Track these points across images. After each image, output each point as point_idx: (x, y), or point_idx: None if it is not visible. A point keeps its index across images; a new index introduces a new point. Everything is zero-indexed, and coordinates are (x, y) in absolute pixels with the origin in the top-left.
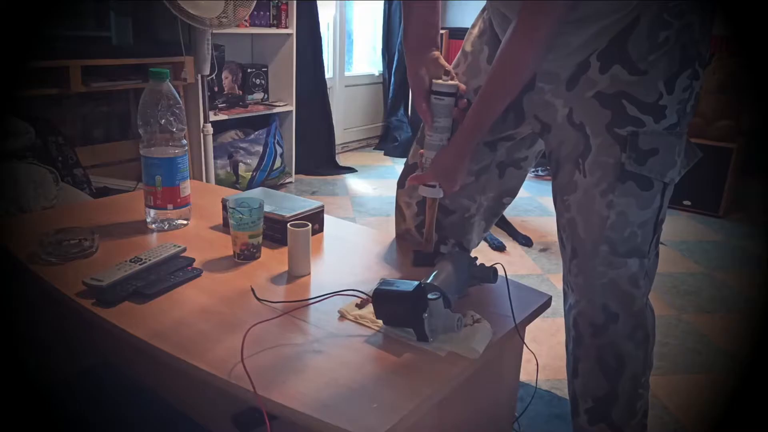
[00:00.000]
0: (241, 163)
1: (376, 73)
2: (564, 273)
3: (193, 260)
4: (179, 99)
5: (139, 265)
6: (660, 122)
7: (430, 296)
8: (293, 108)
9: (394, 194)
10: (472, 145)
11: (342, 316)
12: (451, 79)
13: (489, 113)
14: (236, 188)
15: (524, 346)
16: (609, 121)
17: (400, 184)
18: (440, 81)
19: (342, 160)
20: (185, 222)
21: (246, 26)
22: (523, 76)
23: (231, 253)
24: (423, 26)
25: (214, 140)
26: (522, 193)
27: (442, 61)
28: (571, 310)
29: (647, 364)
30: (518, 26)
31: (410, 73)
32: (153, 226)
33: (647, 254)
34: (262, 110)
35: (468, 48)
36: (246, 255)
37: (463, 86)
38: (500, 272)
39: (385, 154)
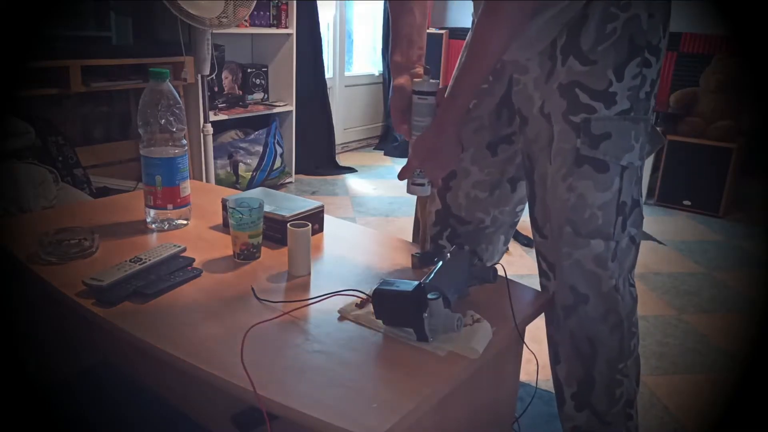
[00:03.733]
0: (241, 163)
1: (376, 73)
2: (537, 261)
3: (193, 260)
4: (179, 99)
5: (139, 265)
6: (611, 108)
7: (430, 296)
8: (293, 108)
9: (394, 194)
10: (449, 122)
11: (342, 316)
12: (432, 78)
13: (463, 90)
14: (236, 188)
15: (524, 346)
16: (565, 109)
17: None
18: (420, 80)
19: (342, 160)
20: (185, 222)
21: (246, 26)
22: (489, 57)
23: (231, 253)
24: (408, 45)
25: (214, 140)
26: None
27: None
28: (547, 293)
29: (624, 350)
30: (483, 11)
31: (393, 85)
32: (153, 226)
33: (612, 236)
34: (262, 110)
35: (463, 51)
36: (246, 255)
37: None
38: (500, 272)
39: (385, 154)
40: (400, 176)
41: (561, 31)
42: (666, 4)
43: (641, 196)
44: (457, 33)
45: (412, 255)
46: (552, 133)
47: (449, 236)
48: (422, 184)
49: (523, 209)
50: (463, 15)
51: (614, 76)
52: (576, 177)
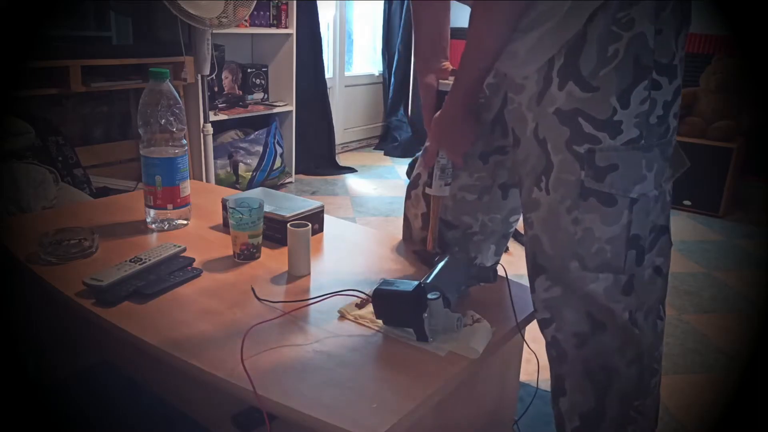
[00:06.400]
0: (241, 163)
1: (376, 73)
2: (531, 292)
3: (193, 260)
4: (179, 99)
5: (139, 265)
6: (617, 138)
7: (430, 296)
8: (293, 108)
9: (394, 194)
10: (454, 105)
11: (342, 316)
12: None
13: (462, 83)
14: (236, 188)
15: (524, 345)
16: (568, 138)
17: (408, 195)
18: (447, 81)
19: (342, 160)
20: (185, 222)
21: (246, 26)
22: (486, 53)
23: (231, 253)
24: (430, 42)
25: (214, 140)
26: None
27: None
28: (548, 326)
29: (642, 387)
30: (475, 5)
31: (420, 83)
32: (153, 226)
33: (623, 270)
34: (262, 110)
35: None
36: (246, 255)
37: None
38: (500, 272)
39: (385, 154)
40: (427, 163)
41: (560, 50)
42: (677, 16)
43: (668, 222)
44: (456, 33)
45: (423, 245)
46: (547, 160)
47: (436, 242)
48: (449, 184)
49: (517, 220)
50: (463, 15)
51: (618, 103)
52: (582, 210)
